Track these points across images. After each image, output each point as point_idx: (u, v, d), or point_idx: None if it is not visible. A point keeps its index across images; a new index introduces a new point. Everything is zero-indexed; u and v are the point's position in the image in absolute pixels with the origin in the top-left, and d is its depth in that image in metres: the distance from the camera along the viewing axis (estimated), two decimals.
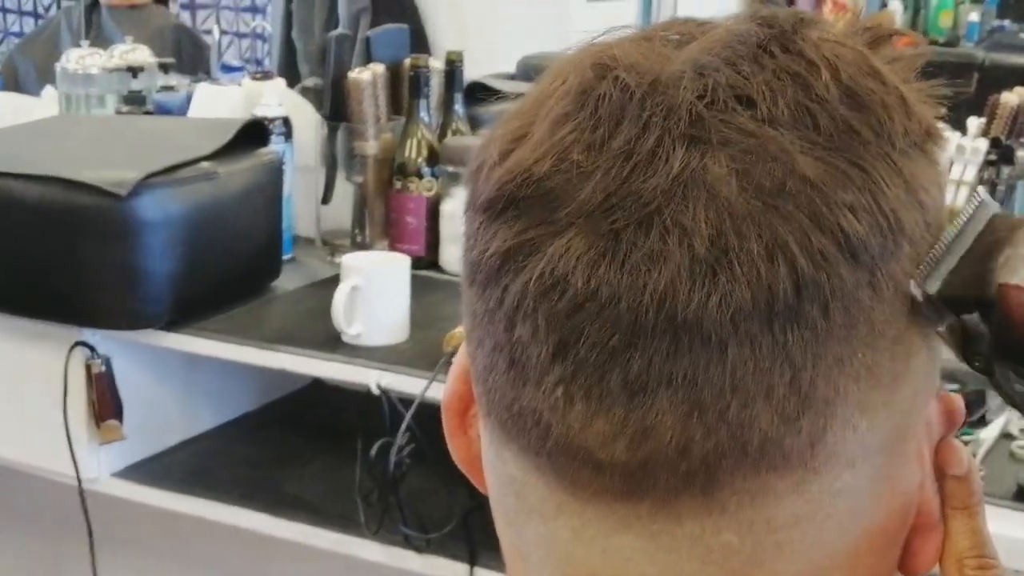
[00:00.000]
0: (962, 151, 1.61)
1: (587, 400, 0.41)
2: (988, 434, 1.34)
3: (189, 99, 2.06)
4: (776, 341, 0.40)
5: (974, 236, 0.42)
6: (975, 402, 1.25)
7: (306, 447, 1.77)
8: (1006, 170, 1.62)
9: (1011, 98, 1.67)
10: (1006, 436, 1.36)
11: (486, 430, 0.46)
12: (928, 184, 0.42)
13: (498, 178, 0.43)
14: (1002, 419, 1.36)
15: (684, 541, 0.42)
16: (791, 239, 0.39)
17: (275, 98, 1.88)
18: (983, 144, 1.61)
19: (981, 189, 0.43)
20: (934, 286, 0.42)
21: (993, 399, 1.29)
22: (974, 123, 1.65)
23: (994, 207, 0.43)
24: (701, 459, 0.41)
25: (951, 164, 1.59)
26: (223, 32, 3.24)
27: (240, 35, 3.63)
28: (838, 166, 0.40)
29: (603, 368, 0.40)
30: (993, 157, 1.61)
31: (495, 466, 0.46)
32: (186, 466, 1.72)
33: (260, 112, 1.84)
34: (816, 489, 0.42)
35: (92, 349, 1.62)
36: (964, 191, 1.59)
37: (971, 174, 1.60)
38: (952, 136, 1.62)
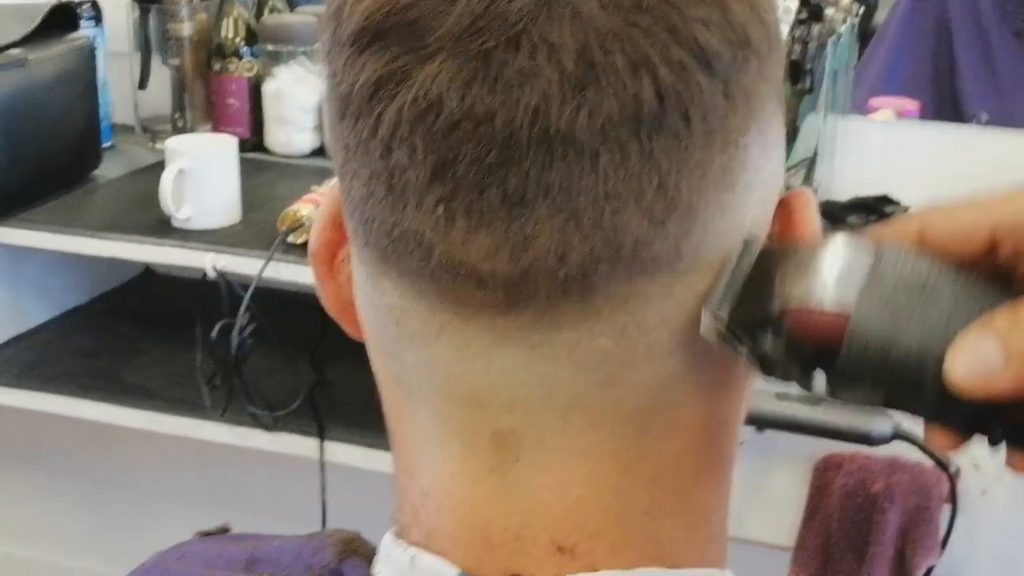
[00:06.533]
0: None
1: (468, 216, 0.42)
2: None
3: None
4: (643, 148, 0.42)
5: (750, 266, 0.44)
6: None
7: (143, 336, 1.75)
8: (816, 28, 1.68)
9: None
10: None
11: (364, 263, 0.47)
12: (767, 7, 0.45)
13: (363, 10, 0.43)
14: None
15: (562, 349, 0.44)
16: (652, 52, 0.42)
17: None
18: (794, 3, 1.67)
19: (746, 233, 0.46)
20: (725, 313, 0.44)
21: None
22: None
23: (759, 241, 0.45)
24: (578, 265, 0.43)
25: None
26: None
27: None
28: None
29: (482, 184, 0.42)
30: (803, 16, 1.67)
31: (372, 299, 0.47)
32: (19, 361, 1.68)
33: None
34: (681, 291, 0.45)
35: None
36: None
37: (783, 33, 1.66)
38: None
